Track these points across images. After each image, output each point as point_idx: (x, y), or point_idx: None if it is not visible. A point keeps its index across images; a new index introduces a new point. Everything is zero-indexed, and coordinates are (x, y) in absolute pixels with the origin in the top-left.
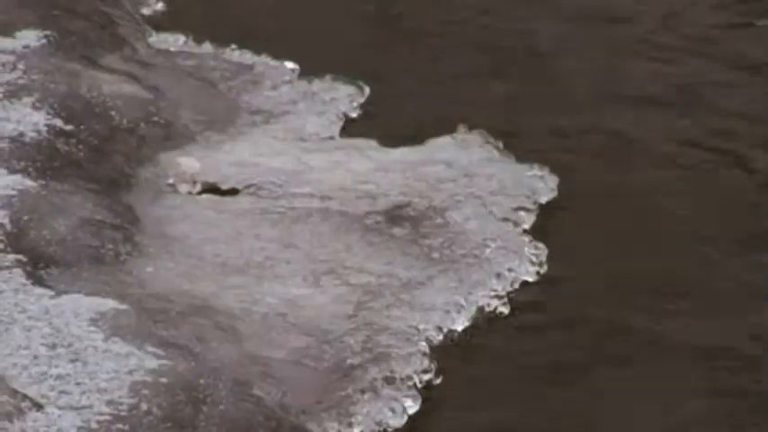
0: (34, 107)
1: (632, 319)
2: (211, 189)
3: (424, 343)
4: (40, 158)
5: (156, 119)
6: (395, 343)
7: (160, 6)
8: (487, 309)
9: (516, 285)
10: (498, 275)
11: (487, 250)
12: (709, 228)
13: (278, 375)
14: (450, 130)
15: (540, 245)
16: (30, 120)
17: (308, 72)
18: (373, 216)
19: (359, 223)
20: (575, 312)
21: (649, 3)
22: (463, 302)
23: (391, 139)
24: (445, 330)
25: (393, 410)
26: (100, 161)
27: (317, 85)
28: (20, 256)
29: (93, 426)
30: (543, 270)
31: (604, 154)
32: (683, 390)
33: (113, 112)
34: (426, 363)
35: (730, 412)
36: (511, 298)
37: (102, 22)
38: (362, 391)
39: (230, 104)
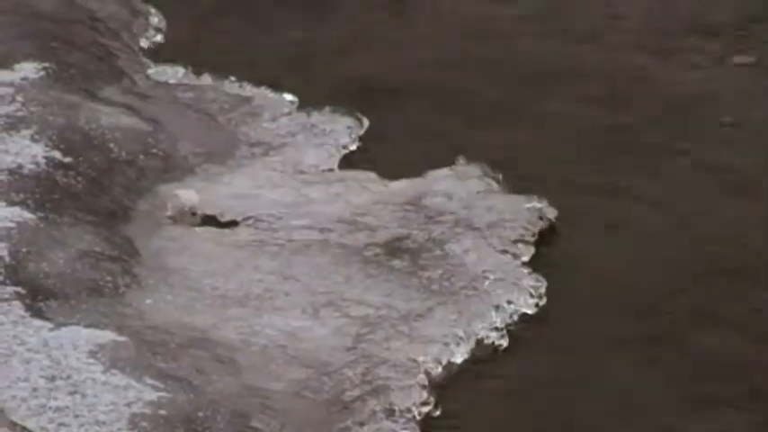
0: (33, 139)
1: (632, 350)
2: (210, 221)
3: (422, 375)
4: (39, 191)
5: (154, 151)
6: (394, 375)
7: (159, 38)
8: (486, 341)
9: (515, 317)
10: (497, 307)
11: (486, 282)
12: (710, 257)
13: (277, 407)
14: (448, 162)
15: (539, 277)
16: (28, 152)
17: (306, 104)
18: (372, 248)
19: (358, 255)
20: (573, 344)
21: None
22: (462, 334)
23: (390, 172)
24: (444, 362)
25: None
26: (98, 193)
27: (315, 117)
28: (19, 289)
29: None
30: (542, 302)
31: (603, 186)
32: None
33: (112, 145)
34: (425, 395)
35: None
36: (510, 330)
37: (101, 54)
38: (361, 424)
39: (229, 137)
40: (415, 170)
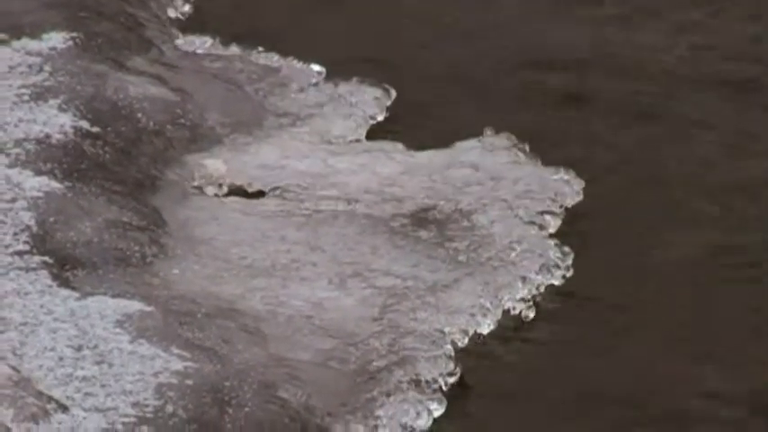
0: (61, 109)
1: (658, 322)
2: (237, 191)
3: (449, 346)
4: (67, 160)
5: (182, 121)
6: (420, 346)
7: (187, 9)
8: (513, 312)
9: (542, 289)
10: (524, 279)
11: (513, 254)
12: (739, 241)
13: (303, 377)
14: (476, 133)
15: (566, 249)
16: (56, 122)
17: (334, 75)
18: (399, 219)
19: (385, 226)
20: (600, 316)
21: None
22: (489, 306)
23: (417, 142)
24: (471, 333)
25: (418, 413)
26: (126, 163)
27: (343, 87)
28: (46, 258)
29: (119, 427)
30: (569, 274)
31: (631, 158)
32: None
33: (140, 115)
34: (452, 366)
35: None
36: (536, 301)
37: (129, 24)
38: (388, 394)
39: (257, 107)
40: (443, 141)
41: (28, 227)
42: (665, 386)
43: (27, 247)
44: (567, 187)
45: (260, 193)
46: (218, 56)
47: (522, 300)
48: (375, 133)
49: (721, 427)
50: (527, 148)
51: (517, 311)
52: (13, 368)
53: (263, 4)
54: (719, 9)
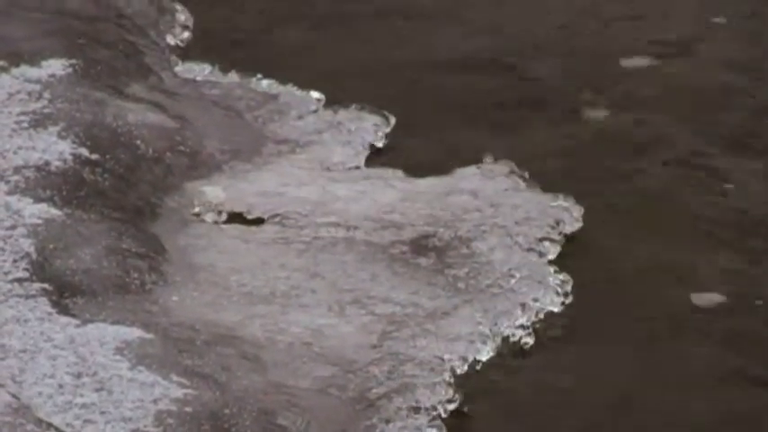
0: (60, 136)
1: (658, 348)
2: (237, 218)
3: (448, 373)
4: (66, 187)
5: (181, 148)
6: (420, 373)
7: (186, 36)
8: (512, 339)
9: (541, 316)
10: (523, 306)
11: (513, 280)
12: (740, 259)
13: (303, 405)
14: (475, 160)
15: (566, 275)
16: (55, 149)
17: (333, 102)
18: (399, 246)
19: (384, 253)
20: (599, 343)
21: None
22: (488, 333)
23: (417, 169)
24: (470, 360)
25: None
26: (125, 190)
27: (342, 114)
28: (45, 285)
29: None
30: (568, 301)
31: (631, 184)
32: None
33: (139, 142)
34: (451, 393)
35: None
36: (536, 328)
37: (128, 51)
38: (387, 421)
39: (256, 134)
40: (442, 168)
41: (27, 254)
42: (666, 409)
43: (26, 275)
44: (567, 214)
45: (259, 221)
46: (217, 83)
47: (522, 327)
48: (374, 160)
49: None
50: (527, 174)
51: (516, 338)
52: (13, 395)
53: (261, 32)
54: None
